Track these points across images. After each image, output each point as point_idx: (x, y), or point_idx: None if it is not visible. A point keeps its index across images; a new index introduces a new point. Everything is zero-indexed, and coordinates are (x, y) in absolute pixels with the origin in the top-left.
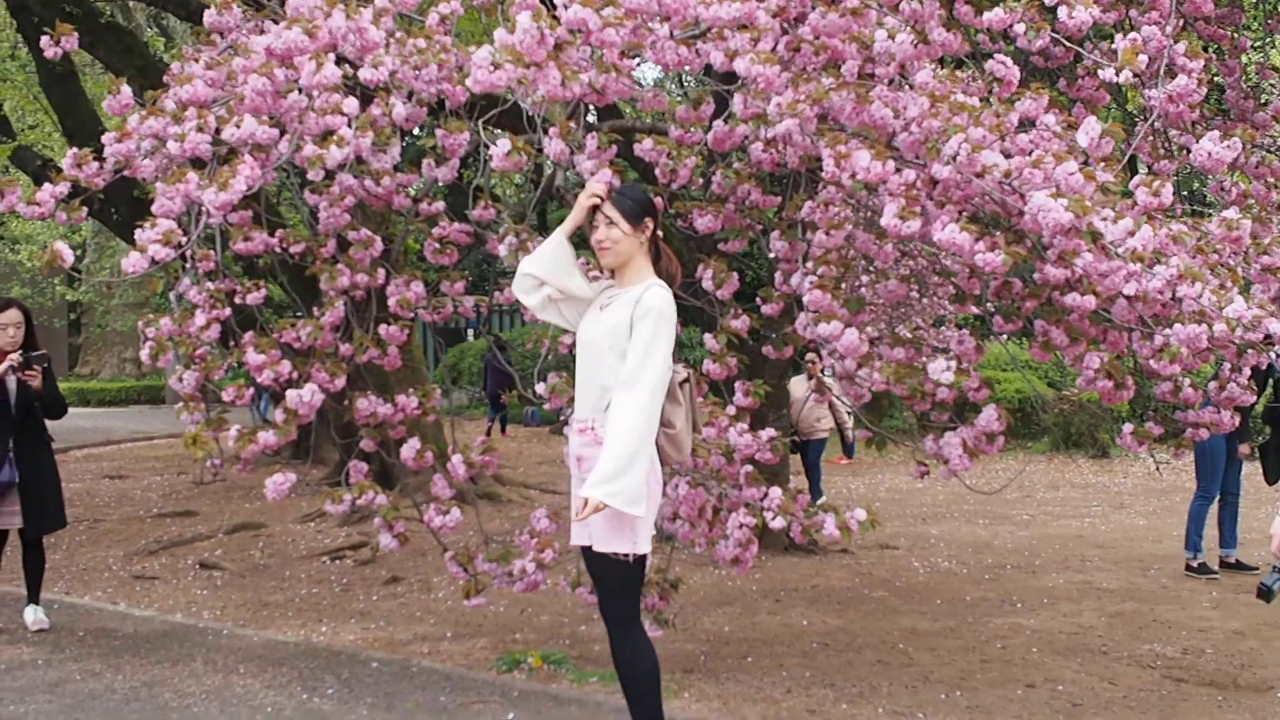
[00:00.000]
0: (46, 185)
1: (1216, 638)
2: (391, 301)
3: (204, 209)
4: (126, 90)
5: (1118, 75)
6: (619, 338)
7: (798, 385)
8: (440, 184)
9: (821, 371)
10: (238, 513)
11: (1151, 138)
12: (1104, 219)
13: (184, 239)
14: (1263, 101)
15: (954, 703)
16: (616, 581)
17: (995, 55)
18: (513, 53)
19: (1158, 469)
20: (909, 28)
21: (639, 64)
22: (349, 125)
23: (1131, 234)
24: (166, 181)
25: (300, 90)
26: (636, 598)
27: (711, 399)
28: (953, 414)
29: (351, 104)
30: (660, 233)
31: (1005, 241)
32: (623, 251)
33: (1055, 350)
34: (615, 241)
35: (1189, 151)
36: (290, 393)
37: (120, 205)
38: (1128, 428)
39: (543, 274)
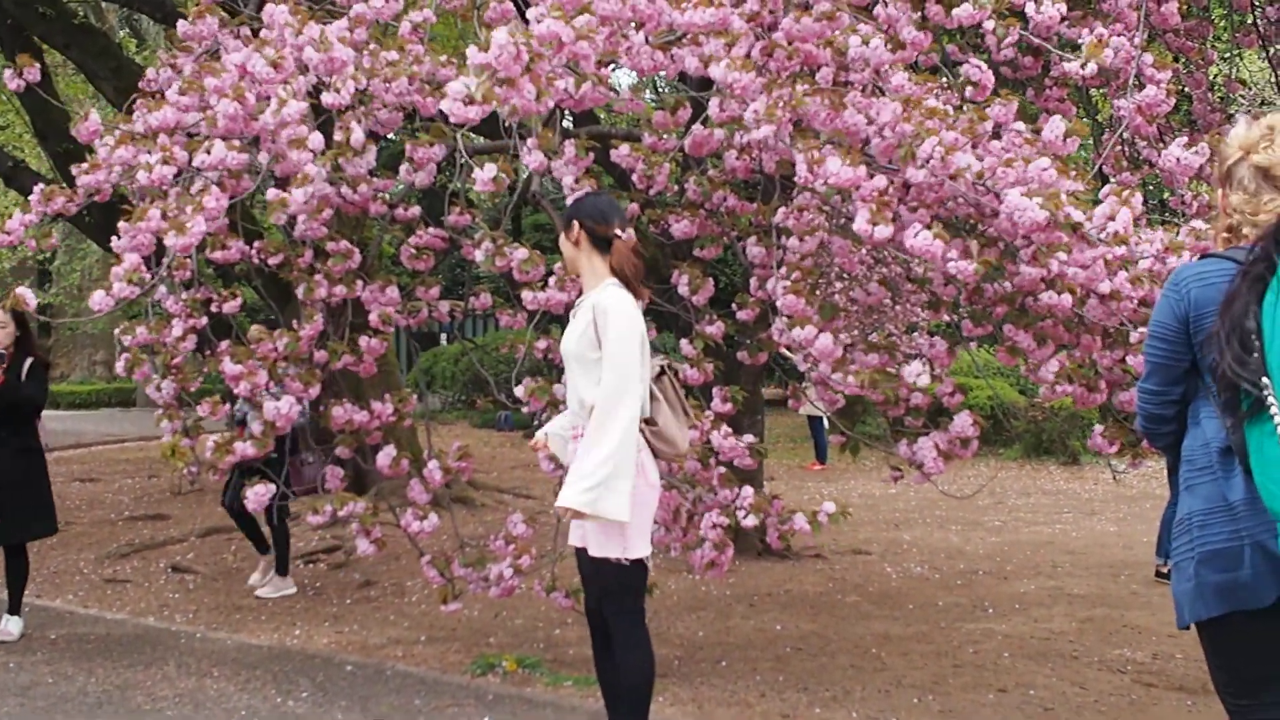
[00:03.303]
0: (17, 214)
1: (1186, 643)
2: (373, 316)
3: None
4: (95, 117)
5: (1083, 69)
6: (583, 345)
7: None
8: (416, 189)
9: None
10: (210, 516)
11: (1119, 148)
12: (1080, 210)
13: (147, 276)
14: (1230, 113)
15: (926, 707)
16: (612, 584)
17: (969, 60)
18: (486, 88)
19: (1115, 477)
20: (882, 32)
21: (614, 69)
22: (314, 161)
23: (1111, 218)
24: (130, 221)
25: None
26: (639, 601)
27: (692, 402)
28: (926, 419)
29: (317, 139)
30: (619, 233)
31: (978, 246)
32: (567, 259)
33: (1023, 355)
34: (563, 254)
35: (1151, 165)
36: (268, 405)
37: (93, 208)
38: (1098, 429)
39: None
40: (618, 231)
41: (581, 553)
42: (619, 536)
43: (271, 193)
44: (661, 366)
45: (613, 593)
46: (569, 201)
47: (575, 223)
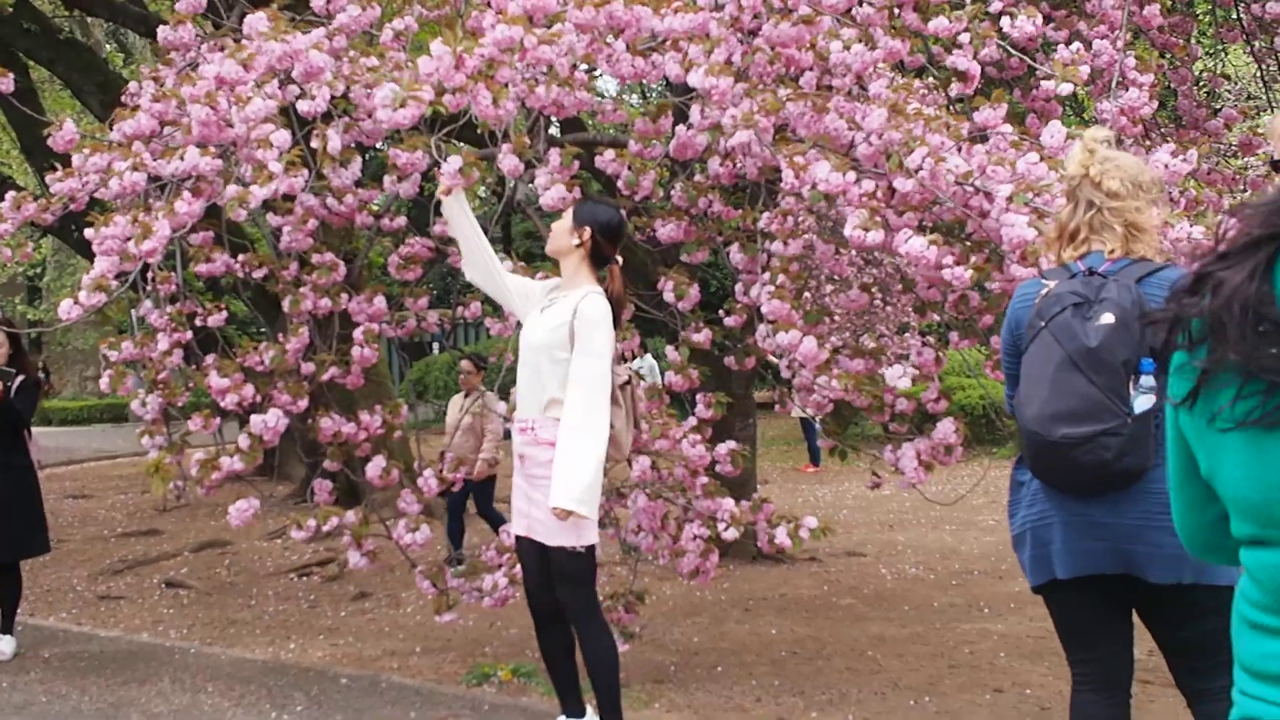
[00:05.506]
0: None
1: None
2: (358, 333)
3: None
4: (70, 125)
5: (1057, 88)
6: (554, 341)
7: (454, 405)
8: (402, 198)
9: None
10: (203, 531)
11: None
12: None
13: (114, 283)
14: (1216, 108)
15: (923, 708)
16: (571, 572)
17: (955, 52)
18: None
19: None
20: (860, 32)
21: (594, 75)
22: (278, 159)
23: None
24: (95, 227)
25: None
26: (593, 586)
27: (669, 411)
28: (913, 425)
29: (281, 137)
30: (620, 260)
31: (965, 251)
32: (556, 244)
33: None
34: (554, 233)
35: None
36: (255, 418)
37: (80, 223)
38: None
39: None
40: (619, 256)
41: (525, 541)
42: (574, 525)
43: (231, 188)
44: (629, 376)
45: (569, 579)
46: (587, 197)
47: (588, 229)
